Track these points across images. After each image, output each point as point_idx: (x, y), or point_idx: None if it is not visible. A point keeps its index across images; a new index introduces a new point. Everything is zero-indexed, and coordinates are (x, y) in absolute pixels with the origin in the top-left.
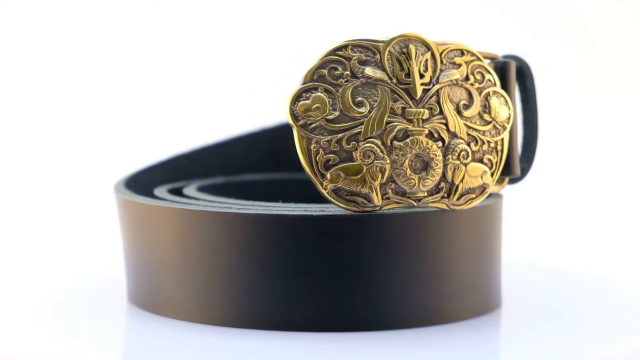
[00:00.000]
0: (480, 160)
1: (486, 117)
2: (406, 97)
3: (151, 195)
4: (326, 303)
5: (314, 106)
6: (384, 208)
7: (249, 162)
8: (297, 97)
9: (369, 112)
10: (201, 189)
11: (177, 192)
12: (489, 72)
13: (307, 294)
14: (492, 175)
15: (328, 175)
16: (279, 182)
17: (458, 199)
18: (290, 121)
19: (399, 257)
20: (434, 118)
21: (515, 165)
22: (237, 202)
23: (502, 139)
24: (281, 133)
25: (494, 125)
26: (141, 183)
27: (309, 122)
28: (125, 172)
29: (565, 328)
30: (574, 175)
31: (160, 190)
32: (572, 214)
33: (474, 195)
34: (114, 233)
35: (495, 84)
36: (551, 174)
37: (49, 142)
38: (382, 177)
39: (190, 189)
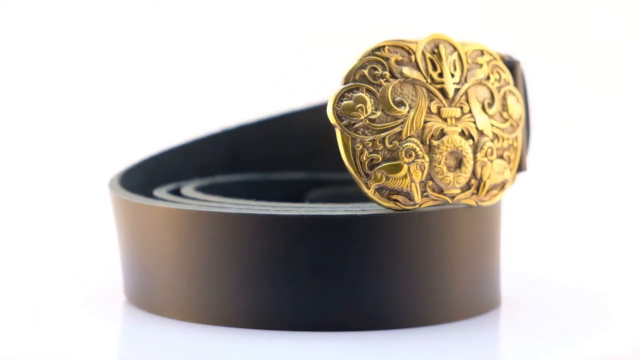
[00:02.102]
0: (501, 157)
1: (505, 115)
2: (440, 96)
3: (151, 196)
4: (327, 303)
5: (357, 106)
6: (423, 206)
7: (212, 164)
8: (339, 97)
9: (408, 111)
10: (202, 190)
11: (177, 193)
12: (504, 72)
13: (313, 294)
14: (510, 171)
15: (372, 175)
16: (277, 183)
17: (485, 195)
18: (334, 121)
19: (399, 256)
20: (465, 117)
21: (524, 160)
22: (268, 204)
23: (517, 136)
24: (242, 134)
25: (511, 123)
26: (125, 186)
27: (352, 122)
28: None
29: (565, 328)
30: (574, 175)
31: (160, 192)
32: (572, 213)
33: (496, 191)
34: (110, 232)
35: (509, 83)
36: (551, 174)
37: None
38: (422, 175)
39: (187, 189)
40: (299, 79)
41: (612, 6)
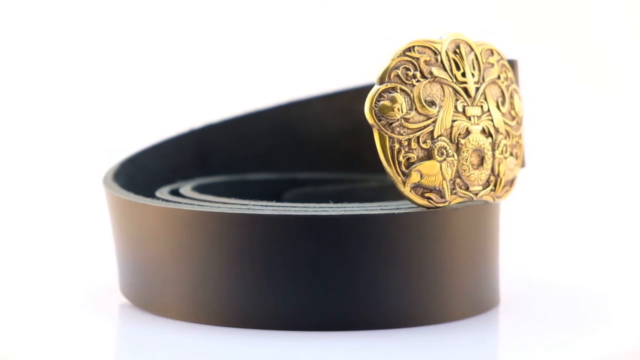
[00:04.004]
0: (511, 154)
1: (512, 113)
2: (464, 95)
3: (152, 196)
4: (328, 303)
5: (394, 106)
6: (452, 203)
7: (182, 165)
8: (377, 98)
9: (438, 111)
10: (202, 190)
11: (177, 194)
12: (509, 71)
13: (318, 294)
14: (517, 167)
15: (409, 174)
16: (255, 183)
17: (500, 191)
18: (372, 121)
19: (399, 256)
20: (484, 115)
21: (525, 157)
22: (295, 205)
23: (521, 133)
24: (208, 135)
25: (517, 121)
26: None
27: (390, 122)
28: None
29: (564, 327)
30: (574, 175)
31: (162, 192)
32: (572, 213)
33: (508, 187)
34: (100, 231)
35: (513, 82)
36: (550, 173)
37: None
38: (452, 173)
39: (185, 189)
40: (264, 77)
41: (612, 6)
